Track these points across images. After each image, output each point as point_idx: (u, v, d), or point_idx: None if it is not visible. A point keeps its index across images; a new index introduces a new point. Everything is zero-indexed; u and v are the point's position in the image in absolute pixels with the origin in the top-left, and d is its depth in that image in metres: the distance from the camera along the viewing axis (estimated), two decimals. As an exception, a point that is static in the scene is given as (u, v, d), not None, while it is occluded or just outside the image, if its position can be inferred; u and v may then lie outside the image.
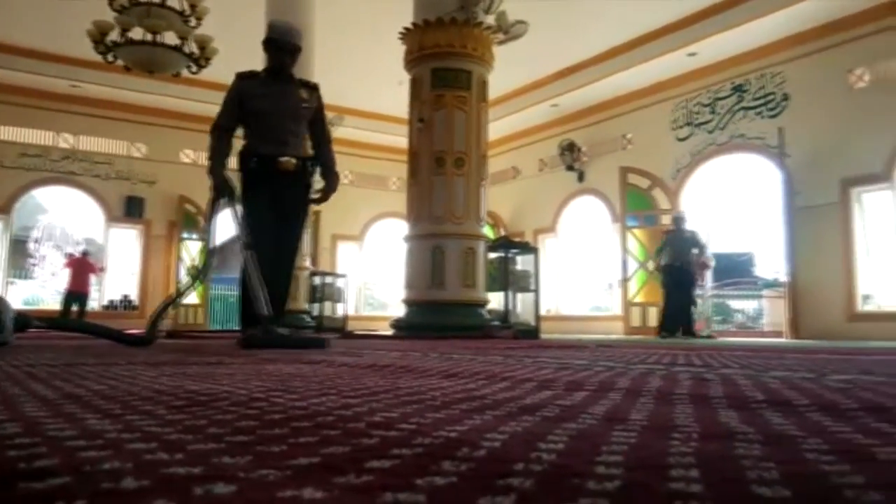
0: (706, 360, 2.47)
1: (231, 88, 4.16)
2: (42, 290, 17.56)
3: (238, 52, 8.00)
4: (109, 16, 7.84)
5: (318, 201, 4.33)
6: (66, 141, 13.48)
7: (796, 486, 0.49)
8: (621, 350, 3.60)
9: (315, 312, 12.13)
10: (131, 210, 13.86)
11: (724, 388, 1.33)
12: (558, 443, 0.67)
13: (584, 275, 14.59)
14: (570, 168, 13.61)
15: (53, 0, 10.29)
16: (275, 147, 4.08)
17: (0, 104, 12.68)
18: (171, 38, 8.02)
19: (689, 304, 9.75)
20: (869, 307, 9.27)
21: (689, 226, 10.06)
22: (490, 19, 7.20)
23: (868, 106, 9.21)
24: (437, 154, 6.73)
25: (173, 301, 4.35)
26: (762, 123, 10.48)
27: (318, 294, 12.64)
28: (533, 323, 8.80)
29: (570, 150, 13.53)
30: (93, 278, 13.20)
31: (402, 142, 7.77)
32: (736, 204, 17.07)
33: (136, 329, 3.91)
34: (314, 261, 12.94)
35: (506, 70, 8.58)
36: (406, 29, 7.07)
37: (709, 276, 10.78)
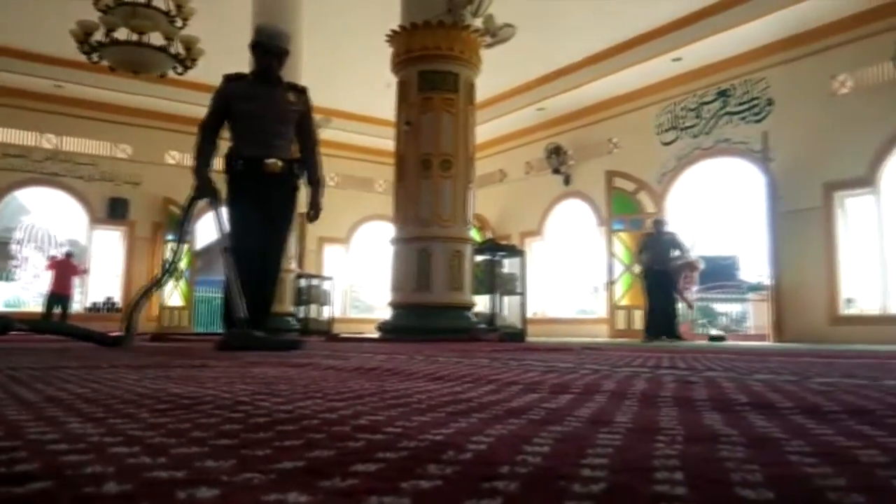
0: (690, 363, 2.49)
1: (218, 90, 4.16)
2: (24, 293, 17.38)
3: (225, 53, 7.98)
4: (94, 15, 7.77)
5: (310, 220, 4.33)
6: (49, 141, 13.35)
7: (780, 488, 0.49)
8: (607, 353, 3.62)
9: (301, 315, 12.08)
10: (115, 211, 13.74)
11: (708, 390, 1.34)
12: (544, 445, 0.67)
13: (570, 278, 14.64)
14: (556, 171, 13.66)
15: (37, -1, 10.20)
16: (261, 149, 4.07)
17: (-18, 104, 12.56)
18: (156, 38, 7.97)
19: (672, 307, 9.77)
20: (851, 311, 9.36)
21: (668, 228, 10.11)
22: (477, 22, 7.21)
23: (850, 112, 9.32)
24: (423, 156, 6.73)
25: (144, 295, 4.31)
26: (746, 128, 10.58)
27: (304, 296, 12.60)
28: (519, 326, 8.81)
29: (556, 154, 13.58)
30: (76, 280, 13.08)
31: (389, 144, 7.77)
32: (720, 208, 17.24)
33: (118, 332, 3.87)
34: (300, 263, 12.89)
35: (493, 73, 8.60)
36: (393, 31, 7.07)
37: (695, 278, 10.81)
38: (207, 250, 14.79)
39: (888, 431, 0.79)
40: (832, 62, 9.58)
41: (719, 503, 0.46)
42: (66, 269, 12.78)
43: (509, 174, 15.20)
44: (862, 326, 8.92)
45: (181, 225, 4.26)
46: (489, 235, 14.00)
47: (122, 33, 7.84)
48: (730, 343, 8.81)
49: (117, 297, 13.73)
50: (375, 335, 7.10)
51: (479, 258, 8.22)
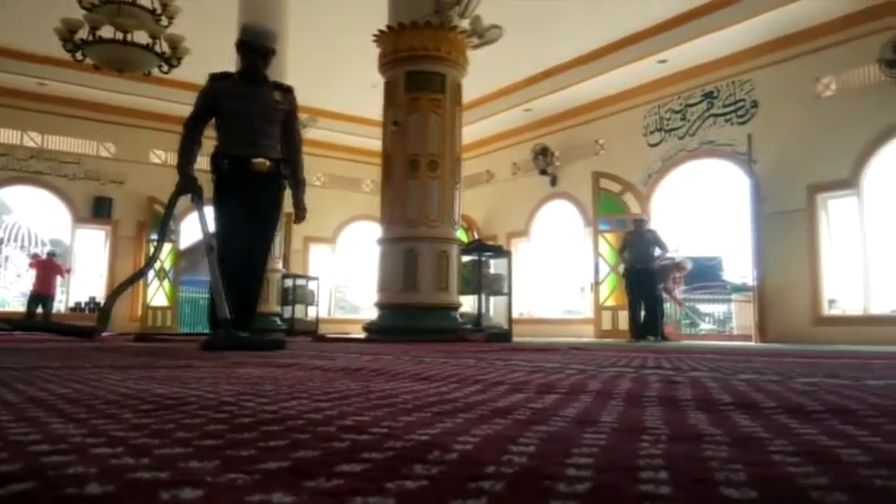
0: (675, 364, 2.50)
1: (204, 89, 4.14)
2: (6, 292, 17.20)
3: (211, 52, 7.94)
4: (79, 13, 7.71)
5: (297, 221, 4.33)
6: (32, 140, 13.21)
7: (763, 487, 0.50)
8: (593, 353, 3.63)
9: (286, 315, 12.04)
10: (99, 211, 13.62)
11: (692, 390, 1.34)
12: (529, 445, 0.67)
13: (556, 278, 14.68)
14: (543, 172, 13.69)
15: (20, -4, 10.10)
16: (247, 149, 4.06)
17: (-36, 102, 12.42)
18: (141, 37, 7.91)
19: (658, 307, 9.80)
20: (834, 311, 9.45)
21: (649, 227, 10.14)
22: (465, 23, 7.21)
23: (834, 114, 9.41)
24: (410, 157, 6.73)
25: (126, 287, 4.29)
26: (731, 130, 10.65)
27: (290, 296, 12.55)
28: (505, 326, 8.82)
29: (543, 155, 13.61)
30: (59, 280, 12.96)
31: (376, 144, 7.76)
32: (706, 209, 17.35)
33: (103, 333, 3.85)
34: (286, 263, 12.84)
35: (480, 74, 8.61)
36: (380, 32, 7.06)
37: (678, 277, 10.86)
38: (192, 250, 14.70)
39: (870, 431, 0.80)
40: (816, 65, 9.67)
41: (704, 502, 0.46)
42: (49, 268, 12.66)
43: (496, 175, 15.22)
44: (845, 327, 9.01)
45: (164, 222, 4.24)
46: (476, 236, 14.02)
47: (106, 31, 7.78)
48: (714, 343, 8.87)
49: (101, 297, 13.60)
50: (362, 336, 7.09)
51: (466, 258, 8.23)
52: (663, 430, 0.80)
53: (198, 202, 3.91)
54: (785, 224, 9.69)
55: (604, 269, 11.82)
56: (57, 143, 13.39)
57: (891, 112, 8.77)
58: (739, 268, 15.54)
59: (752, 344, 8.92)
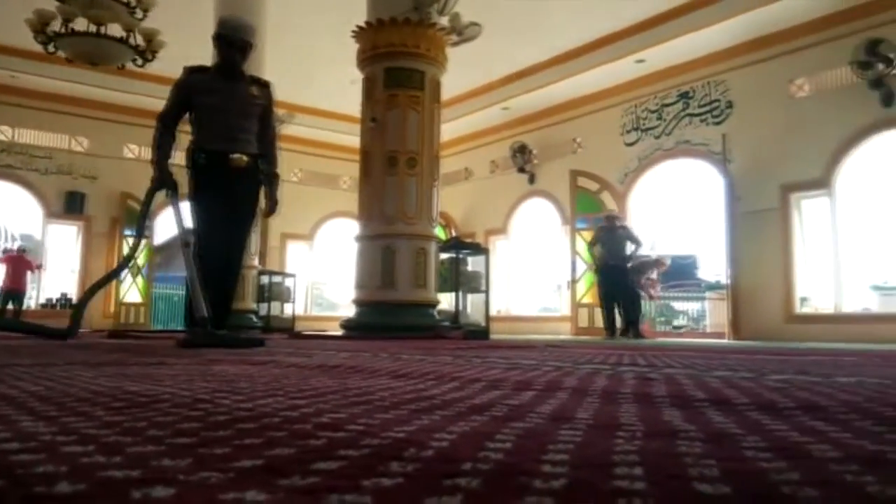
0: (650, 361, 2.52)
1: (179, 82, 4.08)
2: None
3: (187, 46, 7.82)
4: (51, 5, 7.58)
5: (267, 215, 4.30)
6: (3, 133, 12.96)
7: (736, 482, 0.50)
8: (569, 350, 3.65)
9: (263, 312, 11.95)
10: (71, 206, 13.40)
11: (667, 387, 1.36)
12: (506, 442, 0.67)
13: (533, 276, 14.74)
14: (521, 170, 13.73)
15: (-9, -14, 9.90)
16: (225, 144, 4.01)
17: (-68, 93, 12.15)
18: (115, 29, 7.79)
19: (632, 303, 9.80)
20: (806, 309, 9.59)
21: (622, 223, 10.18)
22: (444, 21, 7.21)
23: (808, 115, 9.54)
24: (389, 154, 6.71)
25: (97, 289, 4.23)
26: (707, 130, 10.76)
27: (266, 293, 12.46)
28: (483, 323, 8.84)
29: (521, 153, 13.65)
30: (30, 276, 12.75)
31: (355, 141, 7.72)
32: (681, 208, 17.54)
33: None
34: (262, 259, 12.74)
35: (459, 72, 8.61)
36: (359, 27, 7.03)
37: (654, 277, 10.94)
38: (167, 246, 14.53)
39: (840, 427, 0.81)
40: (791, 66, 9.80)
41: (678, 498, 0.47)
42: (19, 264, 12.45)
43: (474, 172, 15.23)
44: (816, 325, 9.16)
45: (141, 218, 4.17)
46: (454, 233, 14.03)
47: (80, 24, 7.66)
48: (688, 340, 8.96)
49: (73, 294, 13.40)
50: (339, 333, 7.06)
51: (444, 256, 8.23)
52: (638, 426, 0.81)
53: (173, 197, 3.86)
54: (759, 223, 9.81)
55: (581, 266, 11.89)
56: (28, 136, 13.15)
57: (863, 114, 8.92)
58: (714, 266, 15.74)
59: (725, 341, 9.02)
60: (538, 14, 10.48)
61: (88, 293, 3.99)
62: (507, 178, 14.22)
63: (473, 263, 9.11)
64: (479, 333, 7.88)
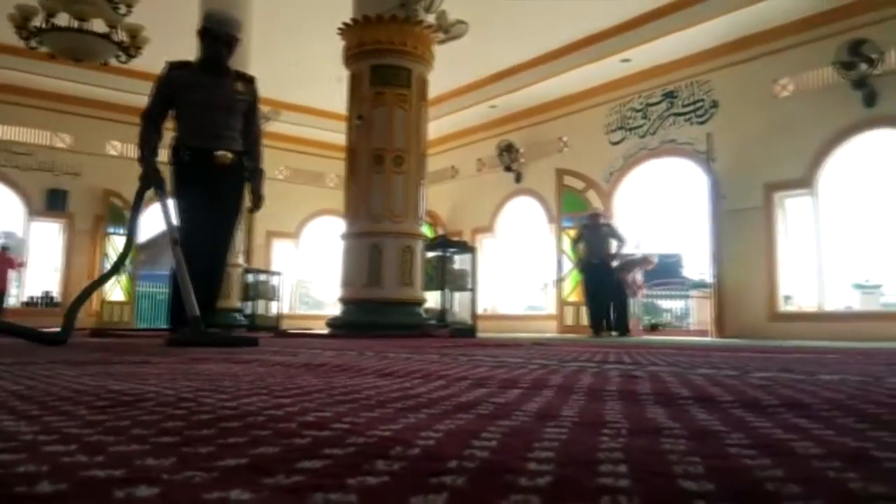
0: (636, 358, 2.54)
1: (162, 77, 4.02)
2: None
3: (171, 42, 7.77)
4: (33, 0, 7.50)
5: (252, 211, 4.27)
6: (-16, 129, 12.82)
7: (720, 479, 0.50)
8: (555, 348, 3.66)
9: (248, 311, 11.89)
10: (54, 203, 13.26)
11: (652, 385, 1.36)
12: (492, 440, 0.67)
13: (520, 274, 14.77)
14: (507, 169, 13.76)
15: (-29, -19, 9.77)
16: (209, 141, 3.98)
17: (-89, 89, 11.98)
18: (99, 25, 7.72)
19: (619, 300, 9.82)
20: (789, 307, 9.69)
21: (605, 221, 10.20)
22: (431, 18, 7.20)
23: (791, 115, 9.62)
24: (375, 152, 6.69)
25: (90, 293, 4.16)
26: (691, 129, 10.83)
27: (252, 292, 12.39)
28: (470, 322, 8.84)
29: (508, 151, 13.68)
30: (11, 274, 12.60)
31: (341, 138, 7.70)
32: (666, 207, 17.64)
33: (56, 328, 3.73)
34: (248, 257, 12.67)
35: (445, 70, 8.60)
36: (345, 24, 7.01)
37: (639, 277, 10.98)
38: (151, 243, 14.42)
39: (823, 424, 0.82)
40: (775, 66, 9.88)
41: (662, 495, 0.47)
42: (1, 262, 12.31)
43: (461, 171, 15.24)
44: (799, 323, 9.25)
45: (133, 219, 4.08)
46: (441, 231, 14.02)
47: (62, 19, 7.58)
48: (673, 338, 9.01)
49: (56, 292, 13.27)
50: (325, 331, 7.04)
51: (431, 254, 8.22)
52: (623, 423, 0.81)
53: (161, 195, 3.83)
54: (742, 222, 9.89)
55: (567, 265, 11.93)
56: (10, 133, 13.00)
57: (845, 114, 9.01)
58: (698, 265, 15.83)
59: (709, 339, 9.08)
60: (524, 13, 10.49)
61: (82, 296, 3.95)
62: (493, 177, 14.24)
63: (460, 262, 9.11)
64: (465, 332, 7.89)
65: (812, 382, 1.46)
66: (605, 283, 9.68)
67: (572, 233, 11.71)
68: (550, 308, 12.85)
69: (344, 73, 7.21)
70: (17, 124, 13.01)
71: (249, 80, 4.20)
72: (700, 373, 1.76)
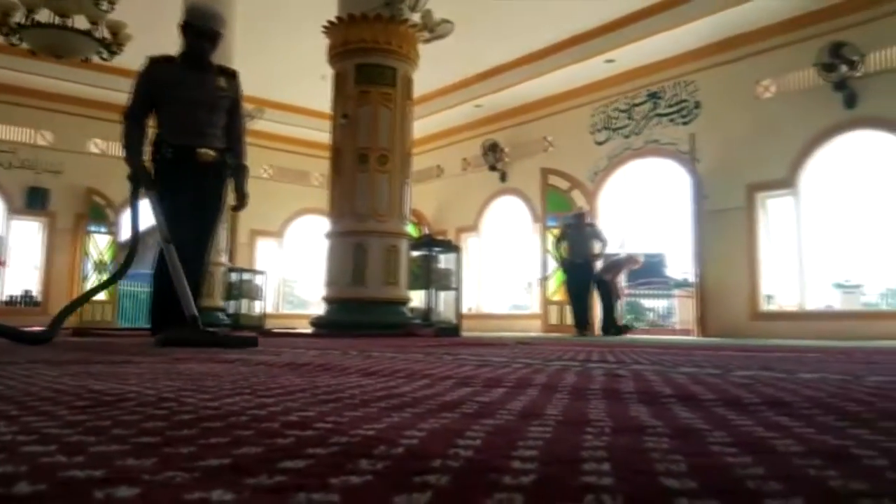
0: (619, 357, 2.55)
1: (143, 73, 3.96)
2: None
3: (154, 38, 7.69)
4: (13, -5, 7.41)
5: (237, 209, 4.22)
6: (-37, 126, 12.63)
7: (702, 477, 0.51)
8: (539, 347, 3.67)
9: (231, 310, 11.82)
10: (34, 201, 13.08)
11: (635, 383, 1.37)
12: (476, 439, 0.67)
13: (504, 273, 14.79)
14: (492, 168, 13.77)
15: (-50, -25, 9.62)
16: (192, 138, 3.93)
17: None
18: (81, 22, 7.63)
19: (605, 301, 9.88)
20: (771, 307, 9.77)
21: (589, 221, 10.25)
22: (415, 17, 7.20)
23: (773, 116, 9.71)
24: (360, 151, 6.68)
25: (87, 299, 4.11)
26: (675, 130, 10.89)
27: (235, 291, 12.33)
28: (454, 321, 8.85)
29: (493, 151, 13.69)
30: (-9, 272, 12.45)
31: (325, 137, 7.67)
32: (650, 206, 17.74)
33: (38, 327, 3.68)
34: (231, 256, 12.60)
35: (431, 69, 8.60)
36: (330, 23, 6.98)
37: (623, 277, 11.04)
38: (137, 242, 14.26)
39: (804, 422, 0.83)
40: (757, 68, 9.96)
41: (645, 493, 0.47)
42: (-20, 260, 12.15)
43: (446, 170, 15.23)
44: (781, 322, 9.34)
45: (133, 224, 4.00)
46: (425, 231, 14.01)
47: (43, 15, 7.48)
48: (656, 337, 9.06)
49: (36, 292, 13.12)
50: (309, 331, 7.01)
51: (415, 253, 8.22)
52: (606, 422, 0.81)
53: (151, 195, 3.78)
54: (725, 222, 9.96)
55: (551, 264, 11.96)
56: (-10, 130, 12.83)
57: (827, 115, 9.10)
58: (681, 264, 15.96)
59: (692, 338, 9.15)
60: (509, 12, 10.50)
61: (79, 300, 3.89)
62: (478, 176, 14.24)
63: (445, 261, 9.11)
64: (450, 331, 7.90)
65: (793, 381, 1.48)
66: (586, 282, 9.73)
67: (557, 232, 11.76)
68: (535, 307, 12.88)
69: (328, 72, 7.19)
70: (-2, 122, 12.84)
71: (232, 75, 4.15)
72: (683, 371, 1.77)
